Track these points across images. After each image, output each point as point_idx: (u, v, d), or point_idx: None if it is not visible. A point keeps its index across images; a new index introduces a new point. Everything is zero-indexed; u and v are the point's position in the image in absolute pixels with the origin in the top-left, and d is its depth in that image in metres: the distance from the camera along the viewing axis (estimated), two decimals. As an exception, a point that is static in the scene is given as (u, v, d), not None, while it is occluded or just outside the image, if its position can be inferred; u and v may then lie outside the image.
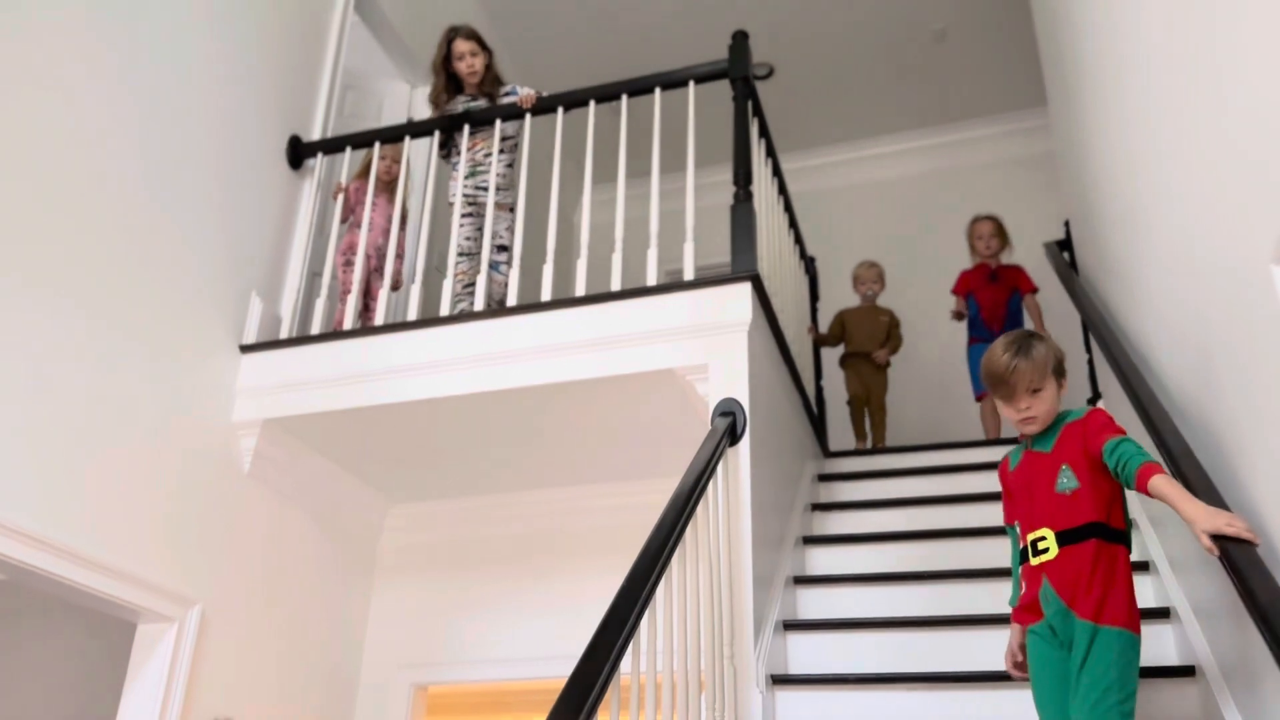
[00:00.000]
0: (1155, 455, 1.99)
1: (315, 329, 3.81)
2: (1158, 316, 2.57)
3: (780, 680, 2.77)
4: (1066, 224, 4.73)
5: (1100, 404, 3.89)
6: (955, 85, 6.23)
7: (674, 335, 3.27)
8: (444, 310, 3.67)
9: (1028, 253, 5.73)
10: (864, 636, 2.97)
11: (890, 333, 5.11)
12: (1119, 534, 2.01)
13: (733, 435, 2.97)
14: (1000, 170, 6.30)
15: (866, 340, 5.09)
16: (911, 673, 2.73)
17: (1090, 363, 4.35)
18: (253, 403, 3.67)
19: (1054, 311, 4.99)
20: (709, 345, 3.20)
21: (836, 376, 5.32)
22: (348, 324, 3.80)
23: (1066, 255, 4.57)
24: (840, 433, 5.24)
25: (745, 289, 3.26)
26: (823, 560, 3.53)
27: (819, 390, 4.99)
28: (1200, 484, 1.93)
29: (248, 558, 3.62)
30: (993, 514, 3.61)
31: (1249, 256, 1.76)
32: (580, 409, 3.55)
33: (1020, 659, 2.18)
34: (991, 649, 2.82)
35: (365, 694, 4.16)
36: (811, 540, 3.59)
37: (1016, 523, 2.19)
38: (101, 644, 4.09)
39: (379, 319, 3.77)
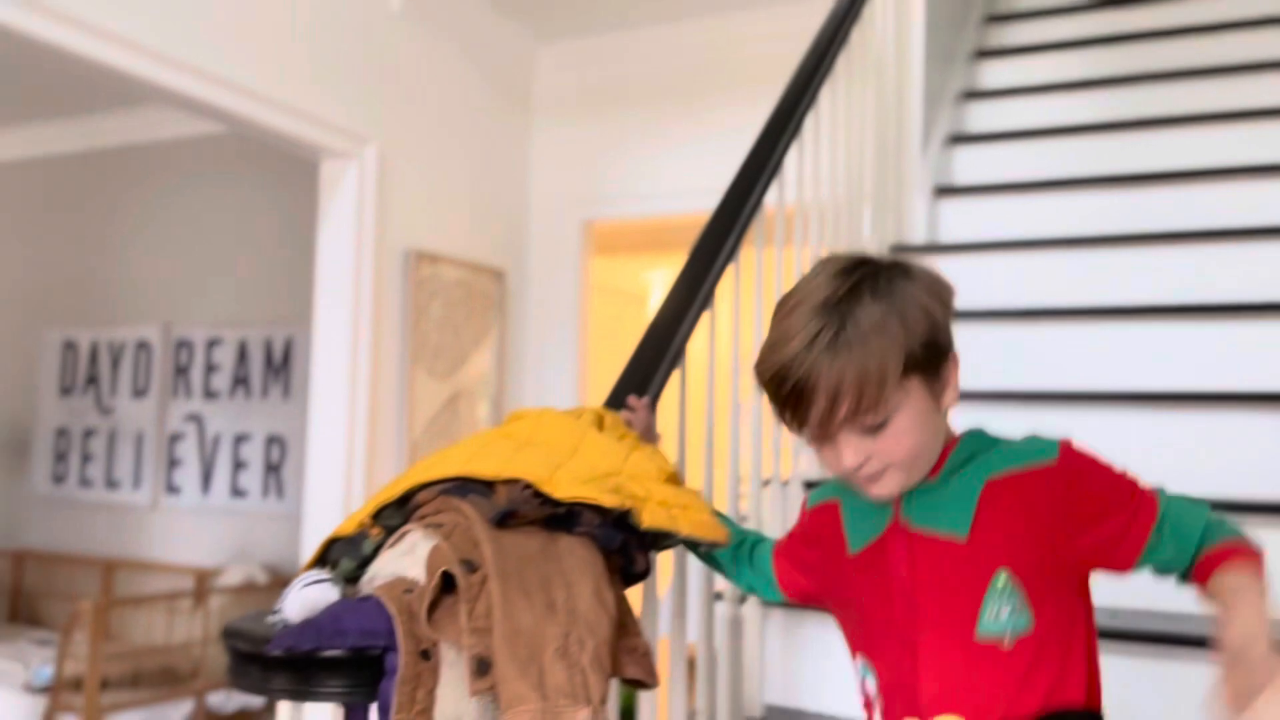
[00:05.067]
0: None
1: None
2: None
3: (945, 191, 2.73)
4: None
5: None
6: None
7: None
8: None
9: None
10: (1035, 144, 2.83)
11: None
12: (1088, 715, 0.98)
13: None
14: None
15: None
16: (1087, 176, 2.60)
17: None
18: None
19: None
20: None
21: None
22: None
23: None
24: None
25: None
26: (994, 78, 3.29)
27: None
28: None
29: (411, 98, 3.69)
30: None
31: None
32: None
33: None
34: (1179, 149, 2.63)
35: (537, 229, 4.40)
36: (986, 53, 3.33)
37: (860, 655, 1.08)
38: (291, 190, 4.41)
39: None
